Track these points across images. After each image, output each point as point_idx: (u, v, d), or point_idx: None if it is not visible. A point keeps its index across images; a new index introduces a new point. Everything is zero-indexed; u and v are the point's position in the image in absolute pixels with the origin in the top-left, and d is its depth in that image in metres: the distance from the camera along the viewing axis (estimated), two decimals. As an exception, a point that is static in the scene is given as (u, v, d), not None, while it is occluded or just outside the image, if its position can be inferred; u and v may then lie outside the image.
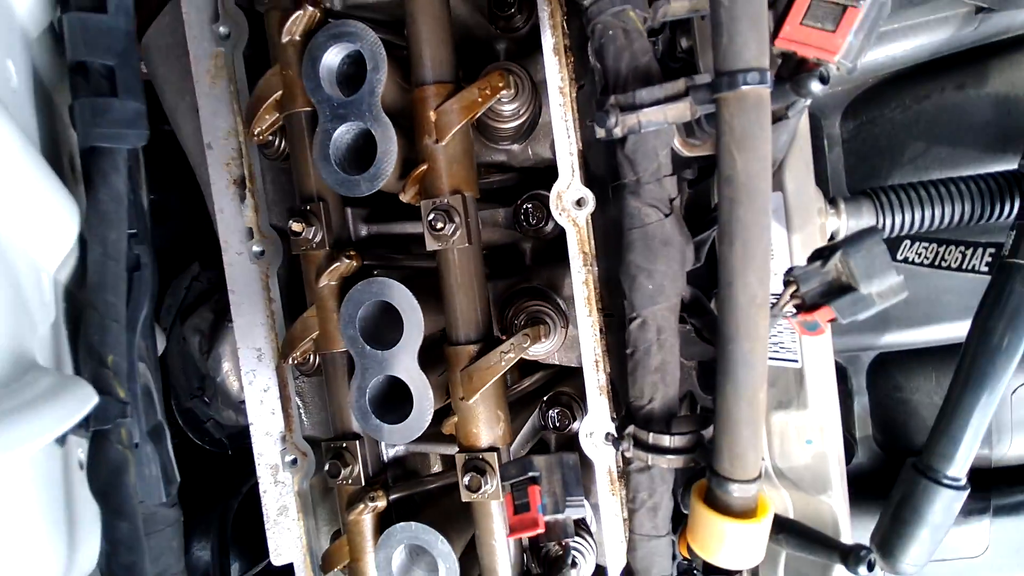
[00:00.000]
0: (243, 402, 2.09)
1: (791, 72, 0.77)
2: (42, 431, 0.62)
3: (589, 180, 1.25)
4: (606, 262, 1.37)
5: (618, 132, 0.84)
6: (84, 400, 0.73)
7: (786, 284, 0.81)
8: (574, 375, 1.38)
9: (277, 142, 1.35)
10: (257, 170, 1.43)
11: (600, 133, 0.87)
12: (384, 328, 1.25)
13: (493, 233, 1.41)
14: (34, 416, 0.62)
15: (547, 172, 1.51)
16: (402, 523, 1.28)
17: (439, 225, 1.12)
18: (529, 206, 1.44)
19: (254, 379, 1.52)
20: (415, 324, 1.15)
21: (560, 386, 1.49)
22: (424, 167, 1.17)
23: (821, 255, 0.78)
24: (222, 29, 1.42)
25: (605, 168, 1.32)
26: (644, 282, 0.93)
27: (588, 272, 1.24)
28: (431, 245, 1.16)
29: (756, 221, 0.70)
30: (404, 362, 1.18)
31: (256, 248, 1.45)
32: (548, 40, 1.22)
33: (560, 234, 1.46)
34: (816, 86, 0.77)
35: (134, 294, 0.92)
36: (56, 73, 0.89)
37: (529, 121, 1.34)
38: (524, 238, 1.51)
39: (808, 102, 0.81)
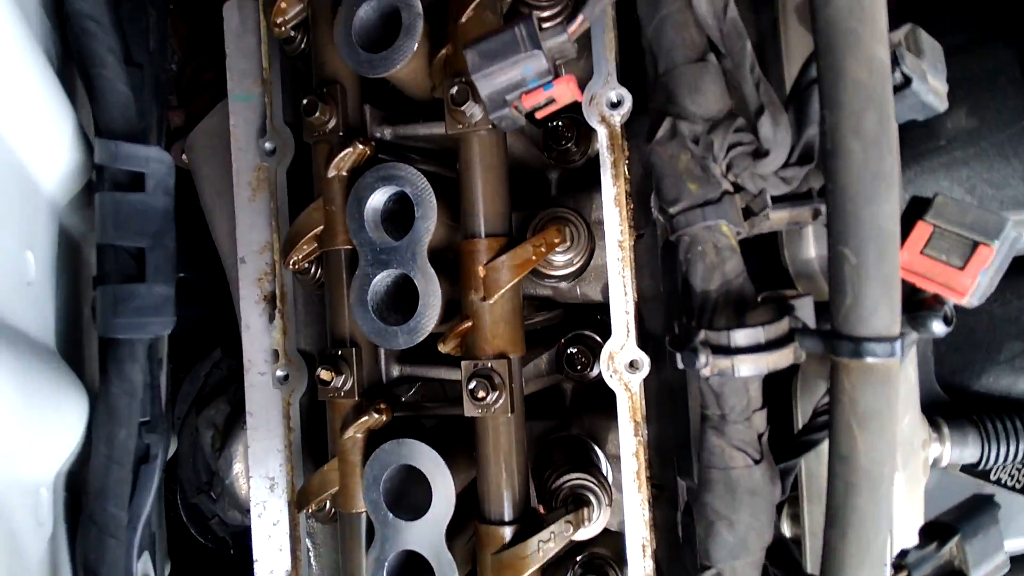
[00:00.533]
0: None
1: (906, 304, 0.67)
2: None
3: (643, 338, 1.15)
4: (657, 426, 1.24)
5: (707, 373, 0.73)
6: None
7: (896, 569, 0.68)
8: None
9: (313, 270, 1.28)
10: (289, 291, 1.35)
11: (680, 364, 0.76)
12: (410, 486, 1.14)
13: (535, 383, 1.30)
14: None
15: (595, 309, 1.41)
16: (394, 440, 1.09)
17: (480, 394, 1.02)
18: (574, 351, 1.33)
19: (264, 511, 1.41)
20: (445, 499, 1.03)
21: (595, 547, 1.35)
22: (468, 324, 1.07)
23: (936, 535, 0.65)
24: (268, 145, 1.37)
25: (663, 326, 1.21)
26: (724, 532, 0.80)
27: (639, 443, 1.12)
28: (470, 412, 1.05)
29: (876, 512, 0.58)
30: (429, 538, 1.05)
31: (280, 372, 1.36)
32: (609, 190, 1.14)
33: (600, 377, 1.35)
34: (939, 327, 0.66)
35: (138, 490, 0.83)
36: (89, 227, 0.83)
37: (582, 265, 1.25)
38: (566, 380, 1.40)
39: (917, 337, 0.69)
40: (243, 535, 2.17)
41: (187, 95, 1.83)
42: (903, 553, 0.68)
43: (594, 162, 1.40)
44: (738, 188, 0.78)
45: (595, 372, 1.33)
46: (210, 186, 1.66)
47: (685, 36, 0.77)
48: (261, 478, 1.41)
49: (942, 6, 1.00)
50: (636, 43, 1.07)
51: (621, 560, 1.18)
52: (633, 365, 1.12)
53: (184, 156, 1.88)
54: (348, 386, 1.14)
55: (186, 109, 1.81)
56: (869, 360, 0.59)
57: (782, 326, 0.72)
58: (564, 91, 0.81)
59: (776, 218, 0.79)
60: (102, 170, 0.72)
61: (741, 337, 0.71)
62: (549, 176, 1.42)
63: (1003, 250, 0.64)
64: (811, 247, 0.92)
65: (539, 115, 0.88)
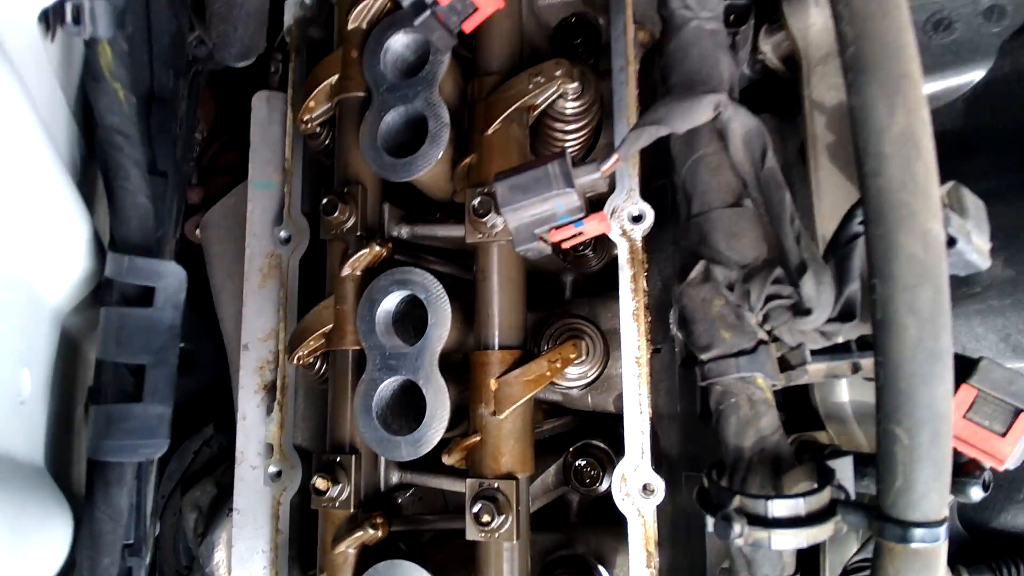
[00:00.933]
0: (228, 602, 1.85)
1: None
2: None
3: (658, 458, 1.09)
4: (671, 552, 1.17)
5: (741, 544, 0.68)
6: None
7: None
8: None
9: (318, 365, 1.24)
10: (291, 384, 1.31)
11: (710, 530, 0.71)
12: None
13: (541, 499, 1.23)
14: None
15: (606, 418, 1.36)
16: (388, 560, 1.01)
17: (484, 518, 0.96)
18: (583, 463, 1.27)
19: (243, 619, 1.31)
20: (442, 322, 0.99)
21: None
22: (476, 439, 1.03)
23: None
24: (283, 233, 1.36)
25: (679, 451, 1.16)
26: None
27: (651, 573, 1.04)
28: (472, 536, 0.99)
29: None
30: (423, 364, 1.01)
31: (273, 469, 1.30)
32: (627, 304, 1.11)
33: (610, 491, 1.29)
34: (977, 494, 0.61)
35: None
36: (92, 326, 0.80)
37: (596, 377, 1.21)
38: (571, 491, 1.33)
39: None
40: (217, 629, 2.02)
41: (207, 174, 1.85)
42: None
43: (610, 268, 1.39)
44: (773, 338, 0.75)
45: (604, 486, 1.26)
46: (221, 266, 1.66)
47: (721, 179, 0.77)
48: (243, 582, 1.32)
49: (975, 149, 1.01)
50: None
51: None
52: (647, 489, 1.06)
53: (198, 231, 1.89)
54: (344, 496, 1.08)
55: (204, 187, 1.83)
56: (915, 546, 0.55)
57: (823, 498, 0.67)
58: (595, 226, 0.81)
59: (814, 371, 0.76)
60: (111, 283, 0.70)
61: (779, 508, 0.66)
62: (564, 279, 1.41)
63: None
64: (844, 391, 0.89)
65: (565, 246, 0.87)
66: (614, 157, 0.76)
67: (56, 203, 0.68)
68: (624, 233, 1.13)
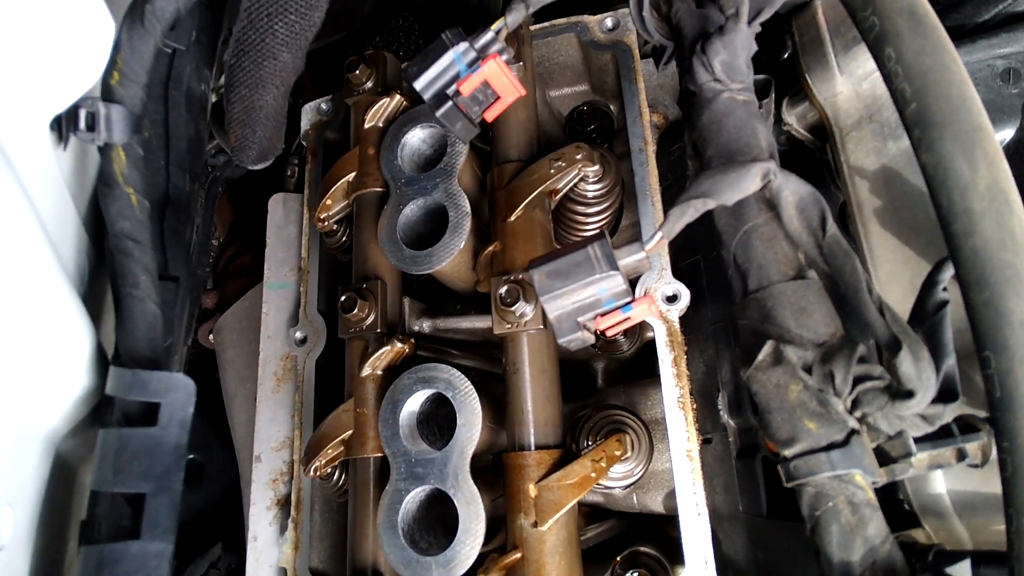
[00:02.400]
0: None
1: None
2: None
3: (723, 567, 0.96)
4: None
5: None
6: None
7: None
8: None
9: (336, 475, 1.14)
10: (307, 499, 1.20)
11: None
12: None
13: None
14: None
15: (653, 520, 1.23)
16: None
17: (533, 654, 0.82)
18: (634, 574, 1.13)
19: None
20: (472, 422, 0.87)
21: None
22: (516, 555, 0.91)
23: None
24: (299, 334, 1.31)
25: (746, 557, 1.03)
26: None
27: None
28: (519, 677, 0.84)
29: None
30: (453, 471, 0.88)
31: (287, 598, 1.16)
32: (671, 391, 1.03)
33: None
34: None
35: None
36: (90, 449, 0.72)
37: (641, 474, 1.09)
38: (623, 609, 1.18)
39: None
40: None
41: (222, 278, 1.83)
42: None
43: (643, 352, 1.32)
44: (867, 426, 0.66)
45: (660, 602, 1.11)
46: (234, 371, 1.59)
47: (777, 251, 0.71)
48: None
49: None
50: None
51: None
52: (715, 607, 0.93)
53: (211, 336, 1.84)
54: (369, 632, 0.94)
55: (219, 291, 1.81)
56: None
57: None
58: (643, 311, 0.74)
59: (916, 462, 0.66)
60: (111, 401, 0.63)
61: None
62: (595, 366, 1.33)
63: None
64: (941, 482, 0.78)
65: (611, 334, 0.81)
66: (659, 235, 0.71)
67: (56, 316, 0.63)
68: (660, 315, 1.07)
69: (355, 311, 1.08)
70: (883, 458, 0.67)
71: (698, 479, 0.98)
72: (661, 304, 1.08)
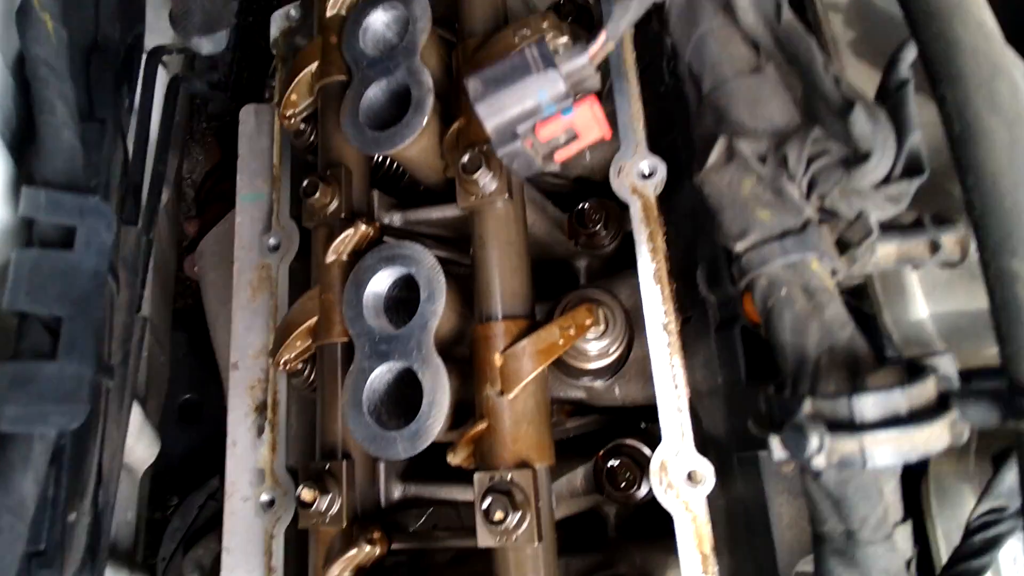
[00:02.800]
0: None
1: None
2: None
3: (703, 444, 0.92)
4: (731, 561, 0.97)
5: (821, 463, 0.51)
6: None
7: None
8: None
9: (307, 371, 1.12)
10: (283, 400, 1.18)
11: (778, 454, 0.55)
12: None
13: (568, 504, 1.06)
14: None
15: (637, 413, 1.19)
16: None
17: (497, 515, 0.79)
18: (616, 463, 1.09)
19: None
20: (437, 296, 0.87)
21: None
22: (482, 426, 0.88)
23: None
24: (271, 240, 1.28)
25: (726, 428, 0.99)
26: None
27: (707, 584, 0.85)
28: (485, 541, 0.82)
29: None
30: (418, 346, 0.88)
31: (265, 497, 1.15)
32: (647, 266, 0.99)
33: (651, 496, 1.11)
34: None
35: None
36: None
37: (619, 357, 1.06)
38: (608, 501, 1.15)
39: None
40: None
41: (204, 205, 1.81)
42: None
43: (626, 247, 1.27)
44: (827, 214, 0.61)
45: (643, 491, 1.08)
46: (215, 294, 1.58)
47: (732, 51, 0.65)
48: (234, 635, 1.14)
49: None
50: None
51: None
52: (692, 477, 0.89)
53: (196, 268, 1.83)
54: (335, 509, 0.92)
55: (200, 219, 1.79)
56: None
57: (928, 389, 0.50)
58: (587, 118, 0.69)
59: (884, 254, 0.60)
60: (29, 225, 0.60)
61: (870, 405, 0.48)
62: (577, 265, 1.28)
63: None
64: (921, 305, 0.72)
65: (559, 158, 0.76)
66: (602, 36, 0.66)
67: None
68: (635, 191, 1.03)
69: (317, 196, 1.04)
70: (844, 246, 0.62)
71: (676, 353, 0.94)
72: (637, 180, 1.03)
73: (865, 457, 0.48)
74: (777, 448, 0.53)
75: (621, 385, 1.14)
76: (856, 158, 0.56)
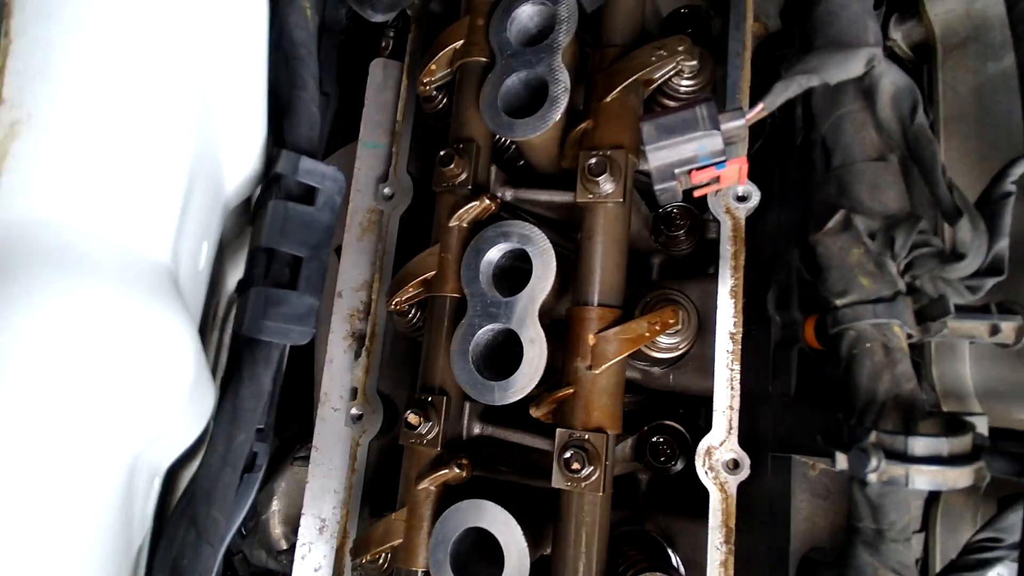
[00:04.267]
0: (280, 552, 1.90)
1: None
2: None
3: (744, 438, 1.09)
4: (746, 538, 1.15)
5: (874, 480, 0.68)
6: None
7: None
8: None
9: (412, 313, 1.29)
10: (380, 332, 1.36)
11: (841, 465, 0.71)
12: (478, 554, 1.07)
13: (616, 468, 1.24)
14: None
15: (680, 401, 1.36)
16: (471, 499, 1.04)
17: (575, 465, 0.97)
18: (660, 439, 1.27)
19: (308, 553, 1.35)
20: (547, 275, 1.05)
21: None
22: (569, 391, 1.04)
23: None
24: (387, 190, 1.43)
25: (767, 431, 1.15)
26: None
27: (728, 552, 1.03)
28: (559, 483, 1.00)
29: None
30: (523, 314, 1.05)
31: (355, 411, 1.34)
32: (726, 281, 1.12)
33: (683, 472, 1.28)
34: None
35: (238, 499, 0.81)
36: (230, 241, 0.87)
37: (682, 353, 1.21)
38: (643, 470, 1.33)
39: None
40: (263, 577, 2.06)
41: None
42: None
43: (698, 252, 1.40)
44: (913, 289, 0.75)
45: (678, 466, 1.26)
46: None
47: (865, 136, 0.78)
48: (312, 517, 1.36)
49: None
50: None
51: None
52: (733, 465, 1.06)
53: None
54: (432, 435, 1.11)
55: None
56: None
57: (965, 441, 0.66)
58: (732, 173, 0.83)
59: (953, 328, 0.75)
60: (279, 180, 0.76)
61: (920, 446, 0.65)
62: (652, 260, 1.42)
63: None
64: (967, 364, 0.87)
65: (697, 194, 0.90)
66: (760, 105, 0.78)
67: (255, 102, 0.75)
68: (728, 211, 1.15)
69: (451, 166, 1.18)
70: (923, 318, 0.76)
71: (736, 359, 1.09)
72: (732, 202, 1.15)
73: (908, 481, 0.65)
74: (842, 461, 0.69)
75: (676, 375, 1.30)
76: (952, 256, 0.69)
